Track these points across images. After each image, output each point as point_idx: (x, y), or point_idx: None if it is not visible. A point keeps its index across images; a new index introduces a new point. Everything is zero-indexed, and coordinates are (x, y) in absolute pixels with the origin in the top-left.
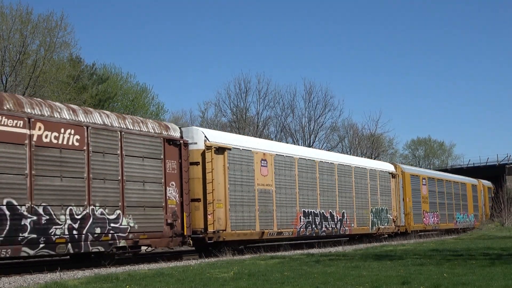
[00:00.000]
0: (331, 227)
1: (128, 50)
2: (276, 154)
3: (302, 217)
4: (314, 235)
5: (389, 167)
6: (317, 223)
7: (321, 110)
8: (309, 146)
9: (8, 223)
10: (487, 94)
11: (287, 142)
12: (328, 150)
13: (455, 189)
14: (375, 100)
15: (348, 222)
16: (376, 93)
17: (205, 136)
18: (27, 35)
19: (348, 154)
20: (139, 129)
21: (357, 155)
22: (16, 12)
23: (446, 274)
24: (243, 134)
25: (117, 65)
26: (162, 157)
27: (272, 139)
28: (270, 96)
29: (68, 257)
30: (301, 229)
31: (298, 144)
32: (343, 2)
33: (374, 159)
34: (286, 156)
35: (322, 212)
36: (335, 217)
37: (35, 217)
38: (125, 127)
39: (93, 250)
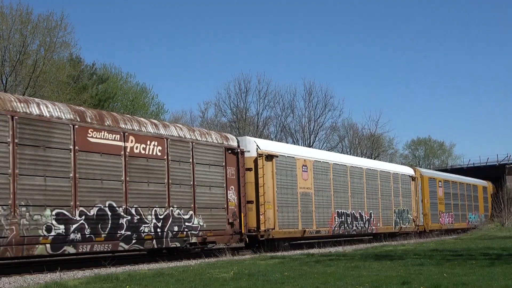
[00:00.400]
0: (360, 226)
1: (128, 50)
2: (315, 160)
3: (336, 217)
4: (346, 233)
5: (410, 171)
6: (349, 222)
7: (321, 110)
8: (309, 146)
9: (110, 222)
10: (487, 94)
11: (287, 142)
12: (328, 150)
13: (468, 190)
14: (375, 100)
15: (374, 222)
16: (376, 93)
17: (257, 145)
18: (27, 35)
19: (348, 154)
20: (205, 140)
21: (357, 155)
22: (16, 12)
23: (446, 274)
24: (242, 134)
25: (117, 65)
26: (223, 164)
27: (272, 139)
28: (270, 96)
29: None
30: (336, 228)
31: (298, 144)
32: (343, 2)
33: (374, 159)
34: (323, 162)
35: (353, 213)
36: (363, 217)
37: (129, 217)
38: (195, 138)
39: (172, 246)
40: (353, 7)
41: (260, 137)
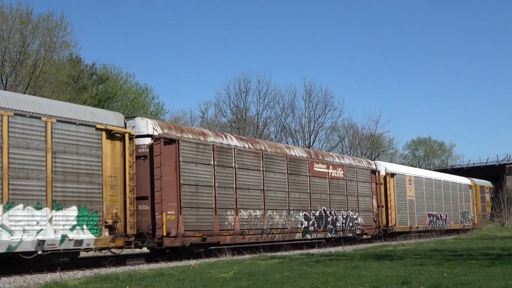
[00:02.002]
0: (440, 224)
1: (128, 50)
2: (415, 176)
3: (427, 217)
4: (432, 228)
5: (468, 181)
6: (434, 221)
7: (321, 110)
8: (309, 146)
9: (324, 219)
10: (487, 94)
11: (287, 142)
12: (328, 150)
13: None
14: (375, 100)
15: (448, 221)
16: (376, 93)
17: (385, 167)
18: (27, 35)
19: (348, 154)
20: (360, 165)
21: (357, 155)
22: (16, 12)
23: (446, 274)
24: (242, 134)
25: (117, 65)
26: (370, 181)
27: (272, 139)
28: (270, 96)
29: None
30: (427, 225)
31: (298, 144)
32: (343, 3)
33: (374, 159)
34: (419, 177)
35: (436, 214)
36: (442, 217)
37: (332, 217)
38: (356, 164)
39: (348, 235)
40: (353, 7)
41: (260, 137)
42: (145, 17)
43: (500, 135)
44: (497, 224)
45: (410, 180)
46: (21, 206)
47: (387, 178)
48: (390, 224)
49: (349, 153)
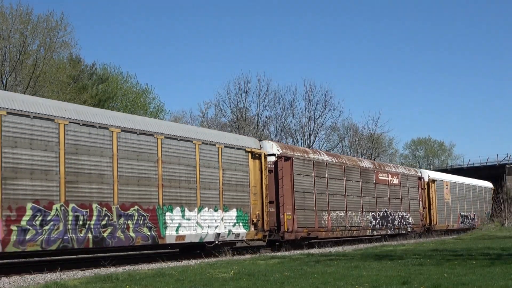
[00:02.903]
0: (470, 223)
1: (128, 50)
2: (450, 182)
3: (460, 217)
4: (463, 227)
5: (490, 185)
6: (465, 220)
7: (321, 110)
8: (309, 146)
9: (385, 219)
10: (487, 94)
11: (287, 142)
12: (328, 150)
13: None
14: (375, 100)
15: (475, 220)
16: (376, 93)
17: (428, 174)
18: (27, 35)
19: (348, 154)
20: (410, 173)
21: (357, 155)
22: (16, 12)
23: (446, 274)
24: (243, 134)
25: (117, 65)
26: (417, 186)
27: (272, 139)
28: (270, 96)
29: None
30: (460, 224)
31: (298, 144)
32: (343, 2)
33: (374, 159)
34: (453, 182)
35: (467, 214)
36: (471, 217)
37: (391, 217)
38: (407, 173)
39: (402, 232)
40: (353, 7)
41: (260, 137)
42: (145, 17)
43: (500, 135)
44: (497, 224)
45: (446, 185)
46: (206, 208)
47: (430, 184)
48: (432, 223)
49: (349, 153)
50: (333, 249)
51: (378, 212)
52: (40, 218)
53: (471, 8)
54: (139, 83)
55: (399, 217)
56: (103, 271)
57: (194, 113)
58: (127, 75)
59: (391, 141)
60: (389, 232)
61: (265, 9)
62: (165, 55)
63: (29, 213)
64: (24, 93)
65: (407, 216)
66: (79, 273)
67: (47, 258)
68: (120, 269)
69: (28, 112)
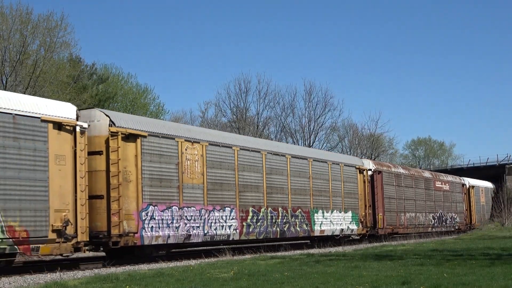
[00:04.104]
0: None
1: (128, 50)
2: (484, 187)
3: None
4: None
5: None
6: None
7: (321, 110)
8: (309, 146)
9: (441, 218)
10: (487, 94)
11: (287, 142)
12: (328, 150)
13: None
14: (375, 100)
15: None
16: (376, 93)
17: (468, 181)
18: (27, 35)
19: (348, 154)
20: (456, 181)
21: (357, 155)
22: (16, 12)
23: (446, 274)
24: (243, 134)
25: (117, 65)
26: (461, 192)
27: (272, 139)
28: (270, 96)
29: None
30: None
31: (298, 144)
32: (343, 2)
33: (374, 159)
34: (487, 187)
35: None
36: None
37: (445, 217)
38: (455, 180)
39: (450, 230)
40: (353, 7)
41: (260, 137)
42: (145, 17)
43: (500, 135)
44: (497, 224)
45: (482, 190)
46: (335, 211)
47: (470, 190)
48: (472, 222)
49: (349, 153)
50: (333, 249)
51: (436, 213)
52: (255, 218)
53: (470, 8)
54: (139, 83)
55: (450, 217)
56: (103, 271)
57: (194, 113)
58: (128, 75)
59: (391, 141)
60: (443, 229)
61: (265, 9)
62: (165, 55)
63: (251, 214)
64: (24, 93)
65: (455, 216)
66: (79, 273)
67: (48, 258)
68: (120, 269)
69: (248, 148)
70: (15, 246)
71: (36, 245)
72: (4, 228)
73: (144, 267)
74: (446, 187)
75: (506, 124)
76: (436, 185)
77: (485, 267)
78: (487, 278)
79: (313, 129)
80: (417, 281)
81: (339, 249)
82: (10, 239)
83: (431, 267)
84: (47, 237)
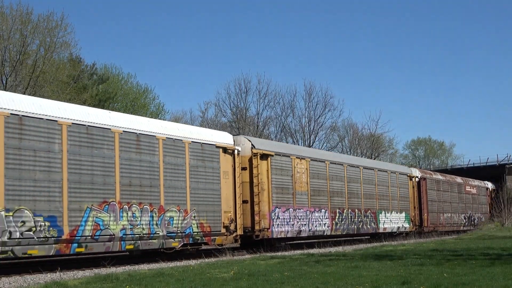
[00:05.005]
0: None
1: (128, 50)
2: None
3: None
4: None
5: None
6: None
7: (321, 110)
8: (309, 146)
9: (470, 218)
10: (487, 94)
11: (287, 142)
12: (328, 150)
13: None
14: (375, 100)
15: None
16: (376, 93)
17: (491, 185)
18: (27, 35)
19: (348, 154)
20: (481, 185)
21: (357, 155)
22: (16, 12)
23: (446, 274)
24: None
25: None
26: (485, 194)
27: (272, 139)
28: (270, 96)
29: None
30: None
31: (298, 144)
32: (343, 3)
33: (374, 159)
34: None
35: None
36: None
37: (472, 217)
38: (480, 184)
39: (471, 228)
40: (353, 7)
41: (260, 137)
42: (145, 17)
43: (500, 135)
44: (497, 224)
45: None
46: (394, 212)
47: (492, 192)
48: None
49: (349, 153)
50: (333, 249)
51: (466, 214)
52: (340, 217)
53: (470, 8)
54: (139, 83)
55: (477, 217)
56: (103, 271)
57: (194, 113)
58: (128, 75)
59: (391, 141)
60: (471, 228)
61: (265, 9)
62: (165, 55)
63: (337, 214)
64: (24, 93)
65: (481, 217)
66: (79, 273)
67: (48, 258)
68: (120, 269)
69: (335, 161)
70: (203, 238)
71: (214, 237)
72: (198, 224)
73: (144, 267)
74: (474, 190)
75: (506, 124)
76: (466, 189)
77: (485, 267)
78: (487, 278)
79: (313, 129)
80: (417, 281)
81: (339, 249)
82: (201, 232)
83: (431, 267)
84: (220, 231)
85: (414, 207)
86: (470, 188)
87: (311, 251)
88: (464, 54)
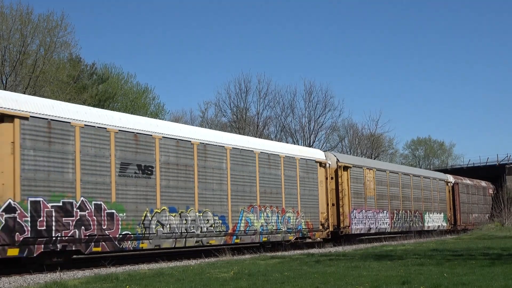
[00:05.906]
0: None
1: (128, 50)
2: None
3: None
4: None
5: None
6: None
7: (321, 110)
8: (309, 146)
9: (488, 218)
10: (487, 94)
11: (287, 142)
12: (328, 150)
13: None
14: (375, 100)
15: None
16: (376, 93)
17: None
18: (27, 35)
19: (348, 154)
20: (479, 184)
21: (357, 155)
22: (16, 12)
23: (446, 274)
24: (243, 134)
25: (117, 65)
26: (487, 193)
27: (272, 139)
28: (270, 96)
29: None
30: None
31: (298, 144)
32: (343, 3)
33: (374, 159)
34: None
35: None
36: None
37: (488, 217)
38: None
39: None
40: (353, 7)
41: (260, 137)
42: (145, 17)
43: (500, 135)
44: (497, 224)
45: None
46: (434, 213)
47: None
48: None
49: (349, 153)
50: (333, 249)
51: (489, 214)
52: (397, 217)
53: (471, 8)
54: (139, 83)
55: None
56: (103, 271)
57: (194, 113)
58: (127, 75)
59: (391, 141)
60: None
61: (265, 9)
62: (165, 55)
63: (395, 215)
64: (24, 93)
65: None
66: (79, 273)
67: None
68: (120, 269)
69: (393, 170)
70: (308, 233)
71: (314, 232)
72: (305, 222)
73: (144, 267)
74: (492, 192)
75: (506, 124)
76: (489, 192)
77: (485, 267)
78: (487, 278)
79: (313, 129)
80: (417, 281)
81: (339, 249)
82: (307, 229)
83: (431, 267)
84: (318, 228)
85: (450, 208)
86: (492, 191)
87: (311, 251)
88: (464, 54)
